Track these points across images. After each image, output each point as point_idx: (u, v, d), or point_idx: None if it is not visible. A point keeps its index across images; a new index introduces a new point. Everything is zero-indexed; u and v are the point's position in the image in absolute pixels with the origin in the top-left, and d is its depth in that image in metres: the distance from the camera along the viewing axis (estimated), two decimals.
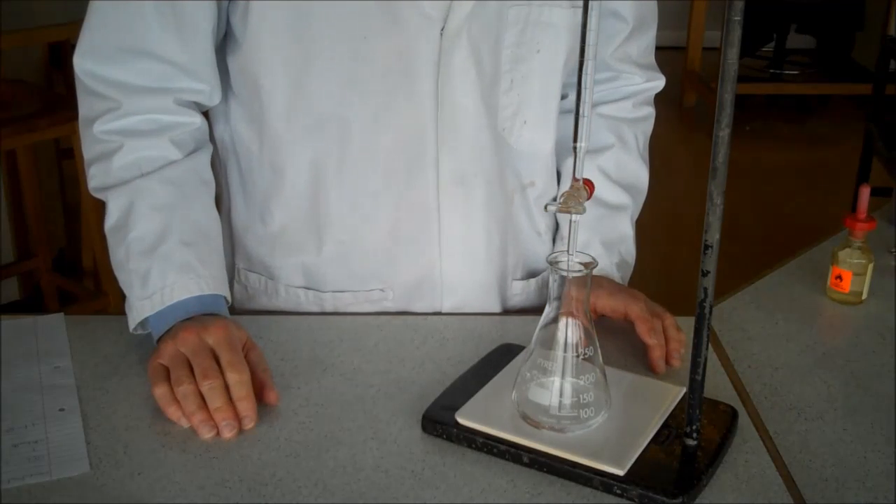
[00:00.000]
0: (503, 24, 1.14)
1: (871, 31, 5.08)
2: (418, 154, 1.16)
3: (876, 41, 3.80)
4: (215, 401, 0.97)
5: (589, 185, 0.91)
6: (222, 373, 0.99)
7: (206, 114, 1.21)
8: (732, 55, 0.82)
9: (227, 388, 0.98)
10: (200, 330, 1.03)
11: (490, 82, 1.16)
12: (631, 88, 1.32)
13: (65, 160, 3.07)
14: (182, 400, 0.98)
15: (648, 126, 1.35)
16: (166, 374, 1.00)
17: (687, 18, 5.36)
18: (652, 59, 1.33)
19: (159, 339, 1.06)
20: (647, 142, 1.35)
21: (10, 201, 2.94)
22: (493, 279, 1.26)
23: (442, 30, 1.11)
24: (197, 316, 1.06)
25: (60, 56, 3.05)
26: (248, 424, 0.98)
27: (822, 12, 5.28)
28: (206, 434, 0.96)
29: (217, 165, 1.27)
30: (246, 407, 0.98)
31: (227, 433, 0.96)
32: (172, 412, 0.98)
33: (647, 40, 1.31)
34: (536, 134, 1.22)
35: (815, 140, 5.07)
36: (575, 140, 0.89)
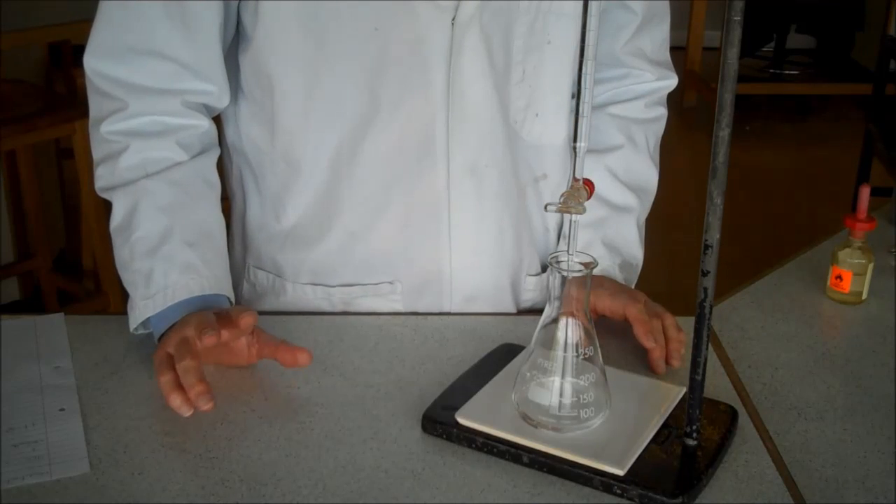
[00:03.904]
0: (515, 14, 1.14)
1: (871, 31, 5.07)
2: (429, 144, 1.16)
3: (876, 41, 3.79)
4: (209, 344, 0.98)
5: (589, 185, 0.91)
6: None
7: (216, 118, 1.21)
8: (732, 55, 0.82)
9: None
10: (204, 312, 1.04)
11: (502, 73, 1.16)
12: (642, 87, 1.31)
13: (65, 160, 3.07)
14: (182, 374, 0.97)
15: (660, 127, 1.34)
16: (171, 363, 1.00)
17: (687, 18, 5.36)
18: (666, 55, 1.32)
19: (161, 336, 1.06)
20: (658, 143, 1.35)
21: (10, 201, 2.94)
22: (505, 273, 1.25)
23: (453, 19, 1.11)
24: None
25: (60, 56, 3.05)
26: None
27: (822, 12, 5.28)
28: (203, 406, 0.96)
29: (229, 169, 1.27)
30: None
31: (203, 405, 0.96)
32: (173, 399, 0.97)
33: (661, 35, 1.29)
34: (548, 126, 1.22)
35: (815, 140, 5.07)
36: (575, 140, 0.89)
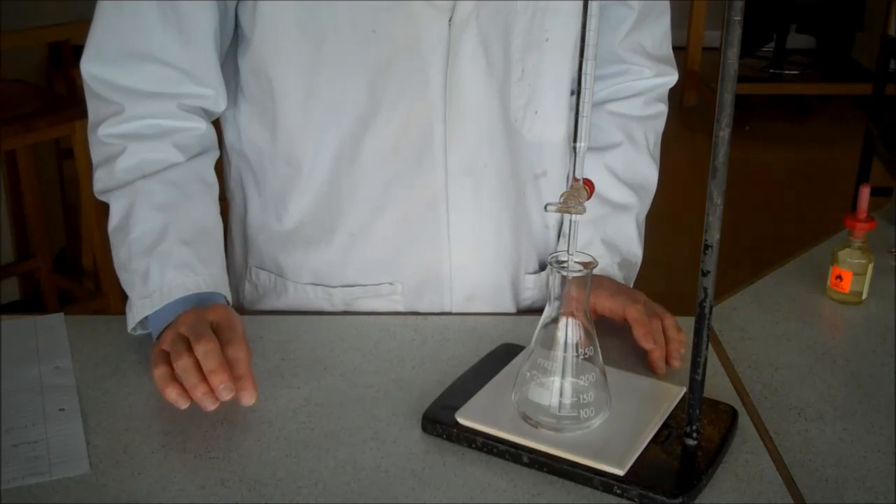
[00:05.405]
0: (512, 12, 1.14)
1: (871, 31, 5.07)
2: (427, 143, 1.16)
3: (876, 41, 3.79)
4: (210, 363, 0.97)
5: (589, 184, 0.91)
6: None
7: (214, 121, 1.21)
8: (732, 55, 0.82)
9: (221, 352, 0.99)
10: (199, 310, 1.04)
11: (501, 72, 1.16)
12: (642, 84, 1.30)
13: (65, 160, 3.07)
14: (182, 375, 0.97)
15: (660, 124, 1.34)
16: (167, 358, 1.00)
17: (687, 18, 5.36)
18: (667, 51, 1.31)
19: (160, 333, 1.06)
20: (659, 140, 1.34)
21: (10, 201, 2.94)
22: (505, 271, 1.25)
23: (450, 19, 1.11)
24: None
25: (60, 56, 3.05)
26: (247, 399, 0.98)
27: (822, 12, 5.27)
28: (210, 406, 0.96)
29: (228, 170, 1.27)
30: (245, 379, 0.98)
31: (225, 396, 0.96)
32: (169, 392, 0.97)
33: (661, 30, 1.29)
34: (548, 123, 1.21)
35: (815, 140, 5.07)
36: (575, 140, 0.89)
